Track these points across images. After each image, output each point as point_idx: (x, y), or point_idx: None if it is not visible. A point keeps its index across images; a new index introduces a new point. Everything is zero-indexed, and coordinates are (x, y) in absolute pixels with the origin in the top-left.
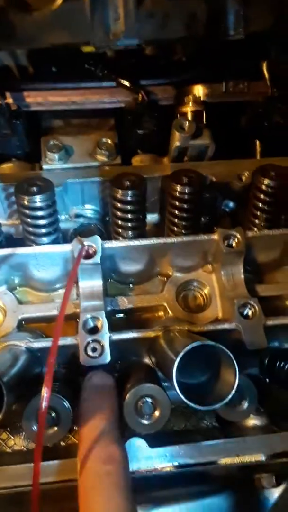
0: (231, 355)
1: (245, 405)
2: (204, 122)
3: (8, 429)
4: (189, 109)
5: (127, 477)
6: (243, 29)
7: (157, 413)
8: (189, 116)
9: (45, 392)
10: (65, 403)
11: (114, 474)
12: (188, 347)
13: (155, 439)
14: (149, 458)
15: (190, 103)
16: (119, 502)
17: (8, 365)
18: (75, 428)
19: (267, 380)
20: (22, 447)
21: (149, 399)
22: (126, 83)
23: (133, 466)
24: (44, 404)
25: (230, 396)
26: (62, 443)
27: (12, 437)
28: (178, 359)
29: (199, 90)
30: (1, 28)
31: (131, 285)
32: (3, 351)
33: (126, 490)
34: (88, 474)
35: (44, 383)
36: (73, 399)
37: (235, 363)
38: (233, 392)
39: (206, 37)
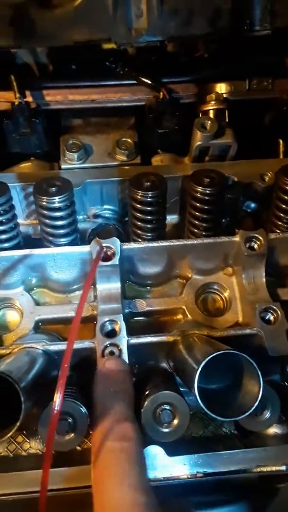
0: (256, 366)
1: (267, 414)
2: (227, 120)
3: (24, 432)
4: (211, 107)
5: (141, 455)
6: (269, 24)
7: (176, 422)
8: (211, 115)
9: (57, 398)
10: (81, 409)
11: (128, 451)
12: (211, 356)
13: (173, 446)
14: (167, 467)
15: (212, 101)
16: (135, 479)
17: (25, 370)
18: (91, 432)
19: None
20: (38, 451)
21: (167, 407)
22: (147, 81)
23: (150, 474)
24: (55, 410)
25: (253, 408)
26: (78, 448)
27: (28, 441)
28: (199, 368)
29: (221, 88)
30: (22, 25)
31: (149, 288)
32: (20, 354)
33: (141, 466)
34: (102, 451)
35: (57, 388)
36: (90, 404)
37: (260, 374)
38: (256, 404)
39: (231, 33)
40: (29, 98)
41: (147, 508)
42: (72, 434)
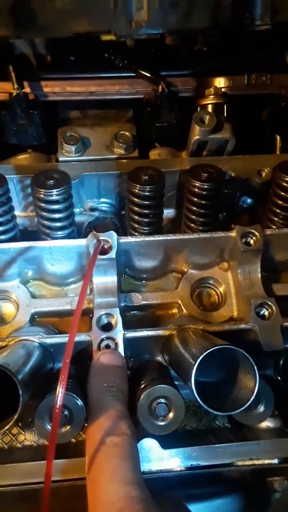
0: (252, 361)
1: (261, 408)
2: (225, 115)
3: (19, 424)
4: (209, 101)
5: (135, 450)
6: (270, 19)
7: (171, 415)
8: (210, 109)
9: (60, 392)
10: (78, 402)
11: (121, 446)
12: (208, 351)
13: (167, 438)
14: (161, 459)
15: (211, 96)
16: (127, 474)
17: (22, 362)
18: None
19: (282, 381)
20: (33, 443)
21: (163, 401)
22: (146, 74)
23: (144, 467)
24: (58, 404)
25: (249, 403)
26: (73, 440)
27: (23, 432)
28: (196, 364)
29: (220, 82)
30: (21, 15)
31: (145, 281)
32: (16, 347)
33: (134, 461)
34: (96, 447)
35: (59, 383)
36: (85, 397)
37: (256, 370)
38: (252, 398)
39: (231, 27)
40: (27, 89)
41: (140, 503)
42: (69, 427)
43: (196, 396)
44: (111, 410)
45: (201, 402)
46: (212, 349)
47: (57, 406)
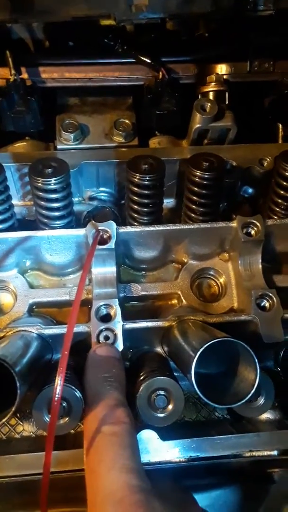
0: (253, 354)
1: (262, 401)
2: (227, 103)
3: (18, 415)
4: (211, 88)
5: (133, 439)
6: (273, 5)
7: (170, 407)
8: (211, 96)
9: (58, 385)
10: (76, 393)
11: (120, 435)
12: (209, 343)
13: (166, 430)
14: (161, 451)
15: (213, 83)
16: (126, 462)
17: (20, 354)
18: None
19: (282, 373)
20: (31, 433)
21: (162, 392)
22: (146, 60)
23: (144, 458)
24: (56, 396)
25: (249, 396)
26: (71, 431)
27: (21, 423)
28: (197, 356)
29: (222, 69)
30: None
31: (144, 272)
32: (14, 338)
33: (133, 450)
34: (94, 436)
35: (57, 374)
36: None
37: (257, 363)
38: (253, 391)
39: (233, 12)
40: (25, 75)
41: (140, 491)
42: (67, 418)
43: (196, 389)
44: (109, 399)
45: (201, 395)
46: (212, 341)
47: (56, 398)
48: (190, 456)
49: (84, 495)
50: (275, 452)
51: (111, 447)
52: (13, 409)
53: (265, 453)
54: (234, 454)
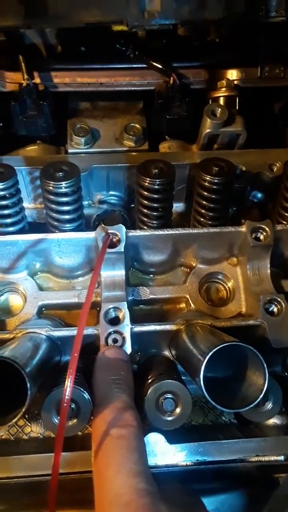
0: (262, 359)
1: (269, 406)
2: (237, 108)
3: (26, 416)
4: (221, 94)
5: (141, 442)
6: (285, 11)
7: (178, 410)
8: (222, 102)
9: (68, 386)
10: (85, 395)
11: (128, 438)
12: (218, 347)
13: (173, 433)
14: (167, 454)
15: (223, 88)
16: (134, 466)
17: (29, 355)
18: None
19: None
20: (39, 435)
21: (170, 396)
22: (157, 65)
23: (150, 461)
24: (66, 398)
25: (258, 401)
26: (79, 433)
27: (29, 424)
28: (206, 360)
29: (233, 74)
30: (32, 5)
31: (152, 275)
32: (24, 339)
33: (140, 453)
34: (102, 439)
35: (67, 375)
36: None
37: (265, 367)
38: (261, 396)
39: (245, 18)
40: (37, 80)
41: (147, 495)
42: (75, 420)
43: (205, 393)
44: (117, 402)
45: (209, 399)
46: (221, 345)
47: (65, 400)
48: (197, 460)
49: (91, 497)
50: (281, 457)
51: (119, 450)
52: (23, 409)
53: (272, 458)
54: (241, 458)
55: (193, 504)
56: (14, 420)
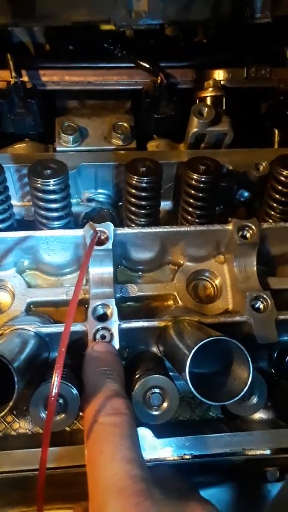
0: (246, 352)
1: (255, 400)
2: (224, 108)
3: (14, 412)
4: (208, 94)
5: (133, 429)
6: (270, 13)
7: (165, 405)
8: (208, 102)
9: (55, 380)
10: (73, 390)
11: (120, 425)
12: (203, 342)
13: (160, 428)
14: (155, 448)
15: (210, 88)
16: (127, 452)
17: (17, 351)
18: (81, 414)
19: (275, 374)
20: (27, 431)
21: (157, 390)
22: (145, 65)
23: None
24: (53, 392)
25: (242, 393)
26: (67, 428)
27: (18, 420)
28: (191, 354)
29: (219, 75)
30: (20, 3)
31: (140, 273)
32: (12, 335)
33: (133, 440)
34: (94, 427)
35: (54, 370)
36: (80, 385)
37: (250, 361)
38: (246, 389)
39: (231, 19)
40: (25, 78)
41: (141, 481)
42: (63, 415)
43: (190, 385)
44: (108, 390)
45: (195, 392)
46: (206, 340)
47: (53, 394)
48: (184, 454)
49: (80, 492)
50: (268, 451)
51: (112, 437)
52: (11, 403)
53: (258, 452)
54: (227, 452)
55: (187, 489)
56: (1, 414)
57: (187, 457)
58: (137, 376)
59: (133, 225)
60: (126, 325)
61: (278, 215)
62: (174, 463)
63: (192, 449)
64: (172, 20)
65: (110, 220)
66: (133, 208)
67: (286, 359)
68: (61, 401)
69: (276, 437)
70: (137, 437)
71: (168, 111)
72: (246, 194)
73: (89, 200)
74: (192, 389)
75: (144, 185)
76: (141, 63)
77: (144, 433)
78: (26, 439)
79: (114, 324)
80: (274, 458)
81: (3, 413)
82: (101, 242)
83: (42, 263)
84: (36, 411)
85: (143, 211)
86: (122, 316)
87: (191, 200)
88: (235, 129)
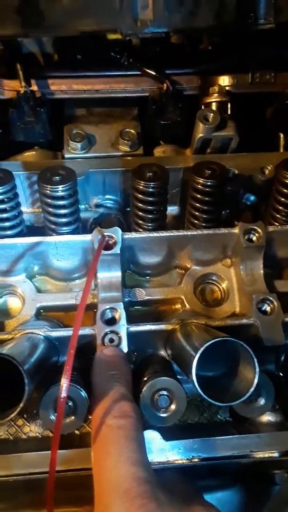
0: (252, 353)
1: (262, 401)
2: (229, 113)
3: (24, 415)
4: (213, 99)
5: (140, 432)
6: (273, 18)
7: (173, 407)
8: (214, 107)
9: (64, 383)
10: (82, 393)
11: (126, 428)
12: (209, 343)
13: (169, 431)
14: (163, 451)
15: (215, 94)
16: (132, 455)
17: (27, 354)
18: (90, 417)
19: (283, 376)
20: (38, 434)
21: (165, 393)
22: (151, 72)
23: None
24: (62, 395)
25: (249, 394)
26: (77, 432)
27: (28, 424)
28: (198, 354)
29: (224, 80)
30: (29, 14)
31: (148, 277)
32: (22, 339)
33: (139, 443)
34: (101, 429)
35: (63, 373)
36: (89, 389)
37: (255, 361)
38: (252, 390)
39: (235, 26)
40: (35, 87)
41: (146, 483)
42: (73, 417)
43: (196, 385)
44: (116, 393)
45: (201, 393)
46: (213, 341)
47: (62, 396)
48: (192, 456)
49: (89, 494)
50: (276, 454)
51: (118, 440)
52: (21, 405)
53: (266, 454)
54: (236, 455)
55: (192, 493)
56: (11, 416)
57: (196, 459)
58: (145, 378)
59: (140, 230)
60: (134, 328)
61: (284, 218)
62: (182, 466)
63: (200, 451)
64: (177, 28)
65: (118, 225)
66: (141, 213)
67: None
68: (70, 403)
69: (284, 440)
70: (143, 440)
71: (174, 117)
72: (252, 197)
73: (97, 206)
74: (199, 389)
75: (151, 190)
76: (147, 70)
77: (153, 435)
78: (37, 442)
79: (123, 328)
80: (283, 461)
81: (14, 414)
82: (109, 247)
83: (51, 269)
84: (46, 413)
85: (150, 216)
86: (130, 320)
87: (198, 205)
88: (241, 133)
